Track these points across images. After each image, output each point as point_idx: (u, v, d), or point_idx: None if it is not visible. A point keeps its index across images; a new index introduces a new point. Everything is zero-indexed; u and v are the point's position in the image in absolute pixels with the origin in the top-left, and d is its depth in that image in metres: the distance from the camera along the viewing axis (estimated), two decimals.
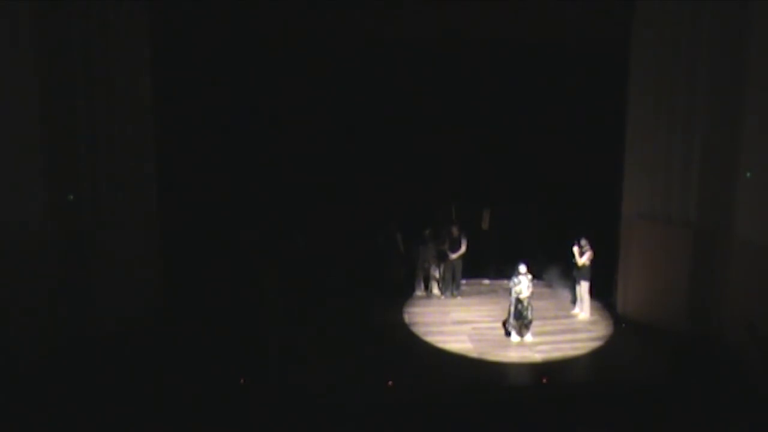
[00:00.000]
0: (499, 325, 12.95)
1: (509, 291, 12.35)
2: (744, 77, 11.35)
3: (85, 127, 11.93)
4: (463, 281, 15.40)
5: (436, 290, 14.84)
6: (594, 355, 11.73)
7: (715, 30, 11.57)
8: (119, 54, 12.21)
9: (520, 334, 12.25)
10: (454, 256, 14.47)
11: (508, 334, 12.39)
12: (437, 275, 14.81)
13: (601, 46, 13.55)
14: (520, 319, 12.22)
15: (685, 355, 11.35)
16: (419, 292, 14.90)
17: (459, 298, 14.66)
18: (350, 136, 15.59)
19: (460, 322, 13.32)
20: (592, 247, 13.21)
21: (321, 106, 15.33)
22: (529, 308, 12.20)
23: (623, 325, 13.00)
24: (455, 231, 14.49)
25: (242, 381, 10.44)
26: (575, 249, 13.27)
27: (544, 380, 10.45)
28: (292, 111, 15.31)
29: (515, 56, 14.59)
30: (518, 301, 12.19)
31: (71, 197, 11.86)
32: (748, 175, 11.20)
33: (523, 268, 12.30)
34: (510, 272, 12.49)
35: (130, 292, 12.63)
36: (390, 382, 10.38)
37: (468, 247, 14.50)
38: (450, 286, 14.71)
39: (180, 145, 14.44)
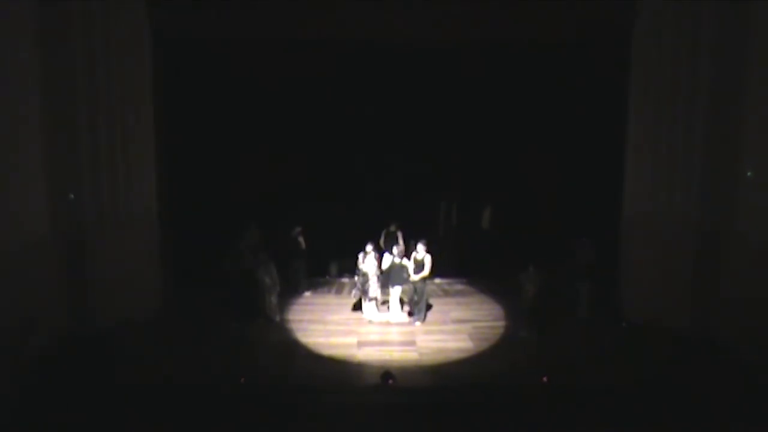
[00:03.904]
0: (500, 324, 13.05)
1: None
2: (744, 76, 11.33)
3: (85, 126, 11.95)
4: (464, 279, 15.41)
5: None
6: (594, 355, 11.71)
7: (716, 30, 11.56)
8: (120, 53, 12.21)
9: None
10: (416, 277, 12.89)
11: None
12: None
13: (602, 45, 13.53)
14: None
15: (685, 355, 11.37)
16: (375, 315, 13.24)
17: (459, 297, 14.55)
18: (347, 136, 15.60)
19: (460, 321, 13.31)
20: (593, 247, 13.21)
21: (319, 107, 15.34)
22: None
23: (623, 324, 12.99)
24: (420, 250, 12.92)
25: (242, 380, 10.44)
26: (575, 248, 13.26)
27: (544, 379, 10.44)
28: (291, 111, 15.31)
29: (515, 56, 14.53)
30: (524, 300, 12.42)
31: (72, 196, 11.88)
32: (749, 174, 11.19)
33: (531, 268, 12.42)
34: (508, 272, 12.56)
35: (130, 291, 12.65)
36: (391, 381, 10.37)
37: (433, 267, 12.98)
38: (415, 311, 13.10)
39: (180, 143, 14.46)
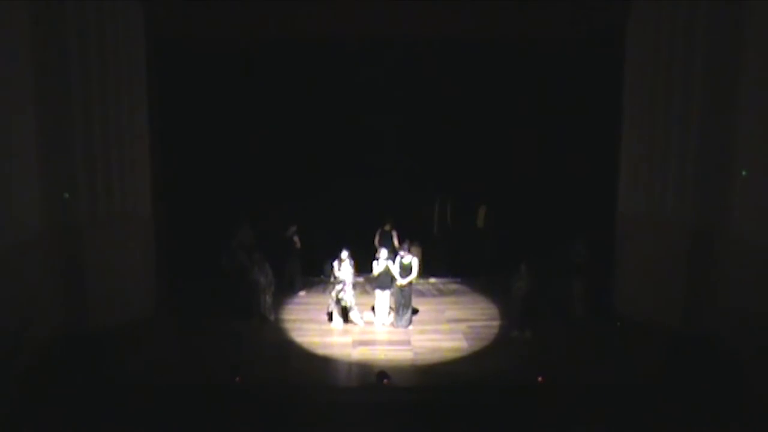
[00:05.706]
0: (495, 323, 13.03)
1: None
2: (740, 76, 11.29)
3: (80, 126, 11.93)
4: (459, 279, 15.36)
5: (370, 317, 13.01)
6: (592, 355, 11.67)
7: (712, 28, 11.52)
8: (115, 53, 12.20)
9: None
10: (404, 281, 12.65)
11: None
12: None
13: (597, 44, 13.50)
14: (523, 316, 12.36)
15: (683, 355, 11.30)
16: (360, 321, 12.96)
17: (453, 296, 14.46)
18: (343, 135, 15.58)
19: (455, 320, 13.26)
20: (589, 247, 13.13)
21: (316, 106, 15.34)
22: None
23: (619, 324, 12.90)
24: (404, 255, 12.69)
25: (238, 379, 10.41)
26: (571, 248, 13.21)
27: (540, 379, 10.38)
28: (289, 110, 15.31)
29: (510, 54, 14.55)
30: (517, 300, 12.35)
31: (66, 195, 11.88)
32: (744, 173, 11.14)
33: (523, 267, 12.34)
34: (503, 271, 12.55)
35: (127, 290, 12.63)
36: (386, 381, 10.33)
37: (420, 271, 12.85)
38: (401, 316, 12.76)
39: (180, 143, 14.46)
